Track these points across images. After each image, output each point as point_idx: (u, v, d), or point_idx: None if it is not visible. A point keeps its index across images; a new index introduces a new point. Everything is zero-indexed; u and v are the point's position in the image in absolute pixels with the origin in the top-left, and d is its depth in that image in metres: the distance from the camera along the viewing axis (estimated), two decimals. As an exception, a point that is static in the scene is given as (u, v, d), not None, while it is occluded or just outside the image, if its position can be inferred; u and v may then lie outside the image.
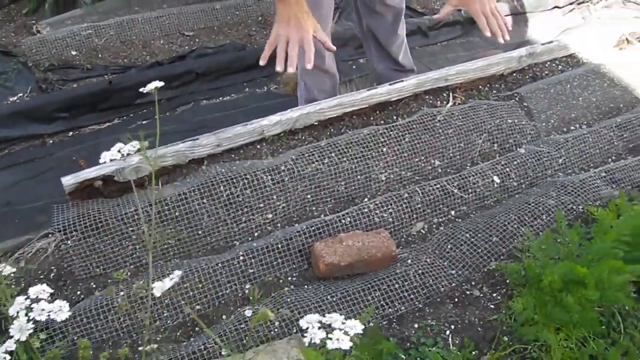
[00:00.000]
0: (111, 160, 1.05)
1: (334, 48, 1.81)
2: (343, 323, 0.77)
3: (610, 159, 2.28)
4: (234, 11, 3.38)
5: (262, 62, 1.75)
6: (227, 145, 2.09)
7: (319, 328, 0.76)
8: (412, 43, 3.08)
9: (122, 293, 1.72)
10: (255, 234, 1.92)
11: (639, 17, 3.62)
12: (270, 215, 1.94)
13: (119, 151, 1.06)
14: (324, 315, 0.78)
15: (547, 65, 2.66)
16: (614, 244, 1.52)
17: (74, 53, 2.99)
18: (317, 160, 2.03)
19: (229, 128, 2.11)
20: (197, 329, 1.69)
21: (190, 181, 2.00)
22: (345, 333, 0.74)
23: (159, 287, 1.00)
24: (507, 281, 1.70)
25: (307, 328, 0.77)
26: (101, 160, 1.07)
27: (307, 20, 1.71)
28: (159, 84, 1.14)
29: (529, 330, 1.44)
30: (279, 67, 1.69)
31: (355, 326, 0.77)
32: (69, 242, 1.86)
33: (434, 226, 1.93)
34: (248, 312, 1.66)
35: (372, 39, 2.46)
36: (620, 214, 1.81)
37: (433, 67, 2.76)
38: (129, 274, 1.85)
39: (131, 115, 2.78)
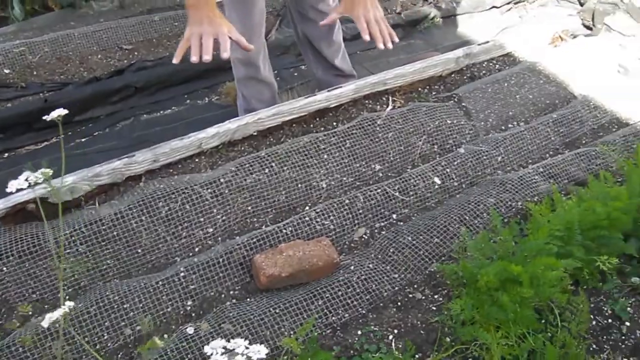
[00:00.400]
0: (17, 190, 1.00)
1: (251, 47, 1.78)
2: (247, 348, 0.74)
3: (547, 155, 2.32)
4: (173, 22, 3.33)
5: (175, 61, 1.70)
6: (165, 160, 2.05)
7: (223, 354, 0.73)
8: (354, 47, 3.09)
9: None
10: (196, 249, 1.88)
11: (572, 15, 3.71)
12: (210, 229, 1.91)
13: (26, 180, 1.01)
14: (229, 341, 0.76)
15: (484, 65, 2.70)
16: (548, 239, 1.54)
17: (6, 71, 2.89)
18: (257, 171, 2.01)
19: (165, 143, 2.07)
20: (138, 350, 1.64)
21: (127, 199, 1.95)
22: (249, 358, 0.72)
23: (47, 318, 0.97)
24: (448, 282, 1.70)
25: (212, 354, 0.74)
26: (8, 190, 1.02)
27: (220, 20, 1.68)
28: (62, 111, 1.09)
29: (467, 331, 1.44)
30: (194, 58, 1.65)
31: (260, 351, 0.75)
32: (4, 268, 1.79)
33: (376, 231, 1.93)
34: (190, 330, 1.63)
35: (308, 45, 2.46)
36: (555, 209, 1.84)
37: (375, 70, 2.77)
38: (67, 297, 1.79)
39: (69, 133, 2.71)
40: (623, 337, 1.65)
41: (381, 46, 1.87)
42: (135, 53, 3.15)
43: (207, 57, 1.64)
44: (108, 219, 1.88)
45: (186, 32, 1.69)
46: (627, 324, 1.69)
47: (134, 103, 2.85)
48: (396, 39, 1.89)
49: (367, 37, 1.86)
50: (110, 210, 1.91)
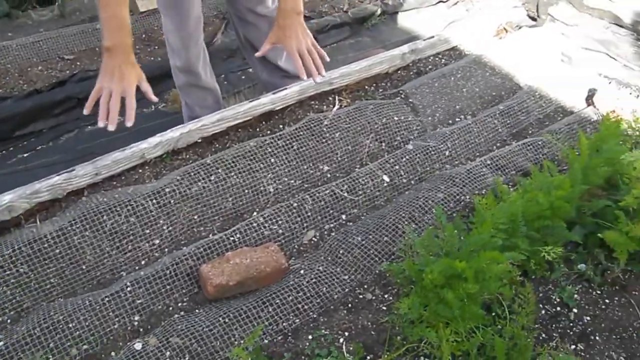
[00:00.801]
0: None
1: (155, 99, 1.80)
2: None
3: (495, 146, 2.33)
4: (117, 30, 3.25)
5: (85, 112, 1.72)
6: (107, 173, 1.99)
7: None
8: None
9: (1, 343, 1.60)
10: (142, 262, 1.84)
11: (517, 6, 3.76)
12: (157, 241, 1.87)
13: None
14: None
15: (430, 60, 2.71)
16: (492, 232, 1.54)
17: (-59, 87, 2.79)
18: (202, 179, 1.97)
19: (107, 155, 2.02)
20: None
21: (69, 215, 1.89)
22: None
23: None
24: (398, 280, 1.70)
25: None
26: None
27: (131, 72, 1.70)
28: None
29: (415, 331, 1.44)
30: (101, 124, 1.68)
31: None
32: (-57, 293, 1.72)
33: (326, 232, 1.91)
34: (138, 345, 1.59)
35: (250, 48, 2.42)
36: (502, 201, 1.85)
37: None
38: (9, 320, 1.73)
39: (10, 148, 2.62)
40: (571, 324, 1.67)
41: (318, 80, 1.96)
42: (78, 63, 3.07)
43: (112, 127, 1.67)
44: (50, 236, 1.82)
45: (97, 84, 1.71)
46: (575, 310, 1.71)
47: (78, 115, 2.77)
48: (324, 73, 1.95)
49: (304, 77, 1.91)
50: (52, 228, 1.85)
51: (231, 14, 2.38)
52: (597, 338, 1.65)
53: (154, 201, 1.91)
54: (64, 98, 2.78)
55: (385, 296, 1.68)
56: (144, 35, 3.25)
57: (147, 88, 1.76)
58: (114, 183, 2.01)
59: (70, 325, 1.64)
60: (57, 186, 1.92)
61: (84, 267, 1.81)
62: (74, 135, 2.70)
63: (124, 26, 1.70)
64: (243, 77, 2.94)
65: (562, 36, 3.36)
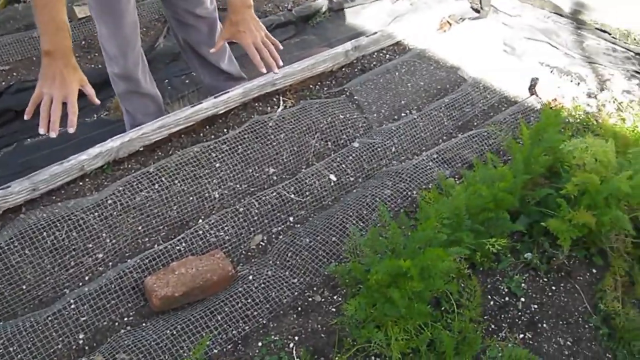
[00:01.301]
0: None
1: (98, 102, 1.75)
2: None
3: (441, 140, 2.35)
4: (55, 37, 3.15)
5: (26, 117, 1.65)
6: (45, 188, 1.93)
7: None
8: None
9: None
10: (86, 278, 1.78)
11: (461, -1, 3.81)
12: (100, 255, 1.81)
13: None
14: None
15: (374, 56, 2.71)
16: (437, 228, 1.54)
17: None
18: (145, 188, 1.93)
19: (44, 169, 1.95)
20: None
21: (7, 233, 1.82)
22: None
23: None
24: (347, 281, 1.69)
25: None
26: None
27: (73, 76, 1.65)
28: None
29: (362, 332, 1.43)
30: (42, 130, 1.62)
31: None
32: None
33: (274, 236, 1.89)
34: (83, 365, 1.55)
35: (192, 52, 2.38)
36: (448, 195, 1.86)
37: (268, 70, 2.72)
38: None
39: (-58, 164, 2.51)
40: (519, 314, 1.70)
41: (275, 71, 1.96)
42: (14, 73, 2.96)
43: (54, 134, 1.62)
44: (-14, 256, 1.75)
45: (37, 88, 1.64)
46: (523, 299, 1.74)
47: (16, 127, 2.67)
48: (280, 63, 1.94)
49: (264, 70, 1.91)
50: (-12, 247, 1.78)
51: (169, 17, 2.33)
52: (545, 325, 1.67)
53: (96, 214, 1.85)
54: (1, 111, 2.68)
55: (335, 297, 1.67)
56: (83, 42, 3.15)
57: (90, 91, 1.71)
58: (54, 198, 1.95)
59: (11, 349, 1.57)
60: (-8, 204, 1.84)
61: (23, 287, 1.74)
62: (13, 149, 2.60)
63: (63, 29, 1.63)
64: (187, 81, 2.88)
65: (504, 27, 3.41)
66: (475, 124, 2.47)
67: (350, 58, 2.58)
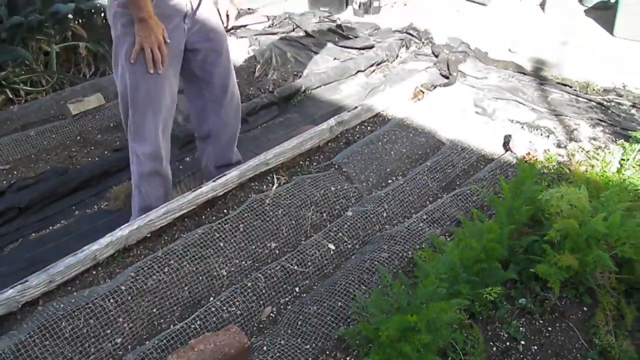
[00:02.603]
0: None
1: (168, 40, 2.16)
2: None
3: (428, 201, 2.50)
4: (51, 135, 3.30)
5: (132, 61, 2.12)
6: (61, 280, 2.02)
7: None
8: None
9: None
10: (107, 364, 1.85)
11: (430, 66, 4.06)
12: (119, 340, 1.89)
13: None
14: None
15: (357, 128, 2.90)
16: (436, 283, 1.67)
17: None
18: (156, 272, 2.03)
19: (60, 261, 2.05)
20: None
21: (27, 327, 1.90)
22: None
23: None
24: (358, 342, 1.79)
25: None
26: None
27: (158, 30, 2.10)
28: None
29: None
30: (151, 70, 2.13)
31: None
32: None
33: (282, 307, 1.99)
34: None
35: (212, 139, 2.53)
36: (441, 252, 2.00)
37: (257, 150, 2.87)
38: None
39: (-47, 266, 2.58)
40: (521, 356, 1.80)
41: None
42: (15, 172, 3.08)
43: (160, 70, 2.14)
44: (8, 351, 1.82)
45: (137, 44, 2.10)
46: (523, 342, 1.85)
47: (20, 223, 2.77)
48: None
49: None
50: (10, 343, 1.85)
51: (194, 105, 2.51)
52: (546, 366, 1.78)
53: (111, 301, 1.94)
54: (4, 209, 2.78)
55: (347, 359, 1.76)
56: (78, 137, 3.30)
57: (165, 35, 2.13)
58: (69, 288, 2.04)
59: None
60: (11, 299, 1.93)
61: (46, 378, 1.81)
62: (19, 245, 2.68)
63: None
64: (181, 166, 3.01)
65: (473, 89, 3.65)
66: (458, 183, 2.64)
67: (334, 133, 2.77)
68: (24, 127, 3.39)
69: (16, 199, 2.84)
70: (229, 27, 2.47)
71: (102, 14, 3.82)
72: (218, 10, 2.41)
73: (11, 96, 3.59)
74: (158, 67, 2.13)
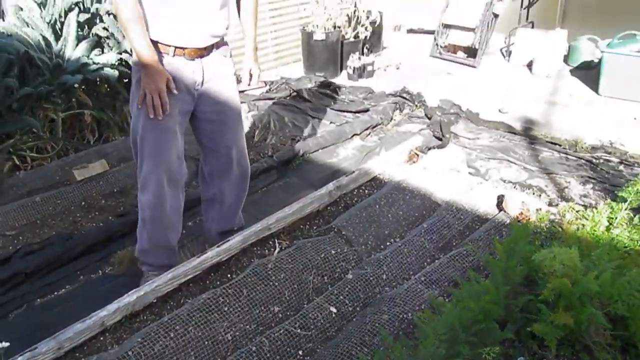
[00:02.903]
0: None
1: (175, 92, 2.26)
2: None
3: (425, 263, 2.57)
4: (56, 200, 3.38)
5: (140, 106, 2.24)
6: (70, 346, 2.06)
7: None
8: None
9: None
10: None
11: (424, 128, 4.21)
12: (126, 407, 1.92)
13: None
14: None
15: (355, 192, 3.00)
16: (436, 344, 1.72)
17: None
18: (162, 338, 2.07)
19: (68, 328, 2.09)
20: None
21: (36, 395, 1.93)
22: None
23: None
24: (361, 405, 1.83)
25: None
26: None
27: (161, 77, 2.18)
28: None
29: None
30: (151, 115, 2.20)
31: None
32: None
33: (287, 371, 2.04)
34: None
35: (217, 202, 2.61)
36: (440, 313, 2.05)
37: (258, 214, 2.96)
38: None
39: (-42, 334, 2.61)
40: (522, 417, 1.83)
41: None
42: (20, 237, 3.14)
43: (160, 115, 2.21)
44: (16, 422, 1.85)
45: (141, 90, 2.20)
46: (524, 403, 1.88)
47: (25, 289, 2.81)
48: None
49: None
50: (19, 411, 1.88)
51: (209, 169, 2.59)
52: None
53: (119, 367, 1.98)
54: (10, 275, 2.82)
55: (352, 422, 1.80)
56: (83, 203, 3.38)
57: (171, 85, 2.22)
58: (77, 355, 2.08)
59: None
60: (20, 367, 1.96)
61: None
62: (24, 311, 2.71)
63: (150, 45, 2.17)
64: (184, 231, 3.08)
65: (466, 150, 3.78)
66: (454, 243, 2.72)
67: (333, 197, 2.86)
68: (29, 193, 3.47)
69: (22, 264, 2.89)
70: (252, 86, 2.58)
71: (106, 83, 3.97)
72: (239, 76, 2.54)
73: (17, 162, 3.69)
74: (158, 113, 2.20)
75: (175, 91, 2.23)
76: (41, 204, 3.35)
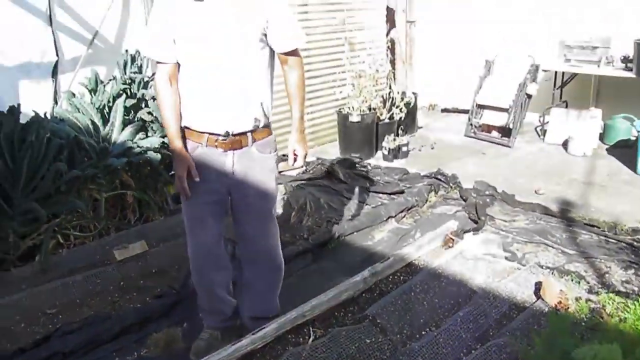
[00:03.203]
0: None
1: (197, 179, 2.35)
2: None
3: (462, 353, 2.53)
4: (95, 279, 3.44)
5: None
6: None
7: None
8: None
9: None
10: None
11: (459, 211, 4.21)
12: None
13: None
14: None
15: (390, 279, 3.00)
16: None
17: None
18: None
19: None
20: None
21: None
22: None
23: None
24: None
25: None
26: None
27: (182, 165, 2.32)
28: None
29: None
30: (183, 199, 2.40)
31: None
32: None
33: None
34: None
35: (247, 288, 2.64)
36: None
37: (294, 298, 2.93)
38: None
39: (-2, 417, 2.64)
40: None
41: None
42: (60, 316, 3.19)
43: (186, 199, 2.39)
44: None
45: (176, 176, 2.36)
46: None
47: (64, 369, 2.85)
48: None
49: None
50: None
51: (249, 256, 2.63)
52: None
53: None
54: (49, 355, 2.86)
55: None
56: (122, 283, 3.44)
57: (194, 172, 2.34)
58: None
59: None
60: None
61: None
62: (63, 391, 2.74)
63: (177, 135, 2.33)
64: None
65: (502, 233, 3.75)
66: (491, 333, 2.67)
67: (368, 284, 2.87)
68: (71, 272, 3.55)
69: (61, 344, 2.93)
70: (296, 166, 2.61)
71: (149, 165, 4.12)
72: (282, 155, 2.63)
73: (62, 241, 3.81)
74: (183, 195, 2.37)
75: (197, 179, 2.33)
76: (81, 282, 3.41)
